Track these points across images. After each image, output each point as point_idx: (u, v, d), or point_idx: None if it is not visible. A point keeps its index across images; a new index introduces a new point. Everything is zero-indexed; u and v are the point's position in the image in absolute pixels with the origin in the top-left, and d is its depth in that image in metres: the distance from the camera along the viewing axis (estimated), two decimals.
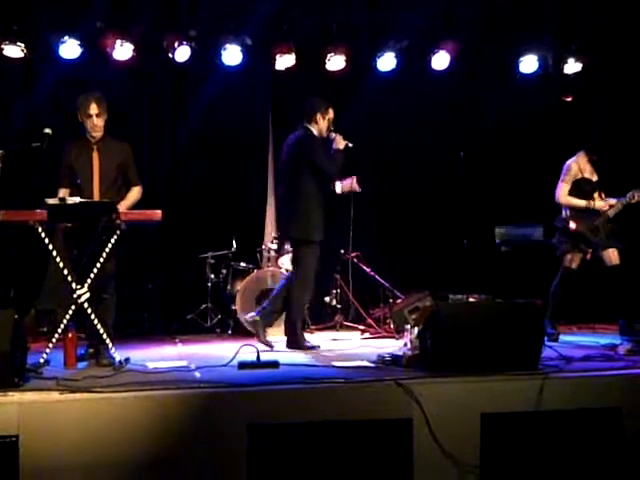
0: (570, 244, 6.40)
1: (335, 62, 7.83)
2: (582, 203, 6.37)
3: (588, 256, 6.37)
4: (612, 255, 6.29)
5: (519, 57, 8.10)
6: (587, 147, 6.44)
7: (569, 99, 8.36)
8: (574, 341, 6.27)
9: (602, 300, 6.66)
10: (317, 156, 5.92)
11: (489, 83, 8.20)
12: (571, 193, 6.43)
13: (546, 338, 6.14)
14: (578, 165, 6.42)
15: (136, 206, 5.44)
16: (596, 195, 6.43)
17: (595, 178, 6.44)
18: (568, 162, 6.48)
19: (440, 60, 7.96)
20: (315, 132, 6.06)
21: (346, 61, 7.83)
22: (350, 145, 6.02)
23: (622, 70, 7.89)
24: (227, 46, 7.52)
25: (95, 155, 5.39)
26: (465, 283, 7.16)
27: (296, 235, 6.01)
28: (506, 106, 8.23)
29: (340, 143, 5.99)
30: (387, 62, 7.95)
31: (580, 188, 6.41)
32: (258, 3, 7.23)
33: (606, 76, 8.03)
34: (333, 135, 6.06)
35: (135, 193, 5.52)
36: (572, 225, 6.34)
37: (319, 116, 6.05)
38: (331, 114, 6.09)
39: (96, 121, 5.35)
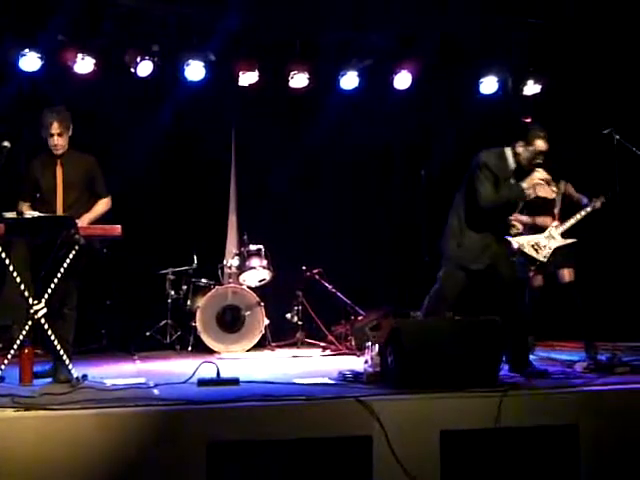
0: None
1: (298, 80, 7.87)
2: (526, 219, 6.47)
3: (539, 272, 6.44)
4: (565, 273, 6.38)
5: (479, 78, 8.23)
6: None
7: (528, 120, 8.49)
8: (532, 358, 6.32)
9: (560, 317, 6.75)
10: (477, 182, 5.23)
11: (450, 103, 8.30)
12: (524, 211, 6.46)
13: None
14: None
15: (102, 218, 5.39)
16: (555, 211, 6.52)
17: (553, 195, 6.45)
18: None
19: (402, 80, 8.05)
20: (510, 159, 5.31)
21: (309, 79, 7.87)
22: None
23: (580, 91, 8.05)
24: (190, 62, 7.51)
25: (59, 169, 5.35)
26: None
27: (440, 250, 5.49)
28: (467, 126, 8.33)
29: (529, 182, 5.21)
30: (350, 81, 8.01)
31: (534, 206, 6.41)
32: (221, 19, 7.24)
33: (565, 97, 8.19)
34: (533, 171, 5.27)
35: (102, 205, 5.46)
36: (514, 244, 6.45)
37: (520, 145, 5.27)
38: (540, 146, 5.21)
39: (57, 140, 5.30)
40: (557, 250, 6.40)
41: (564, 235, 6.45)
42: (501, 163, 5.31)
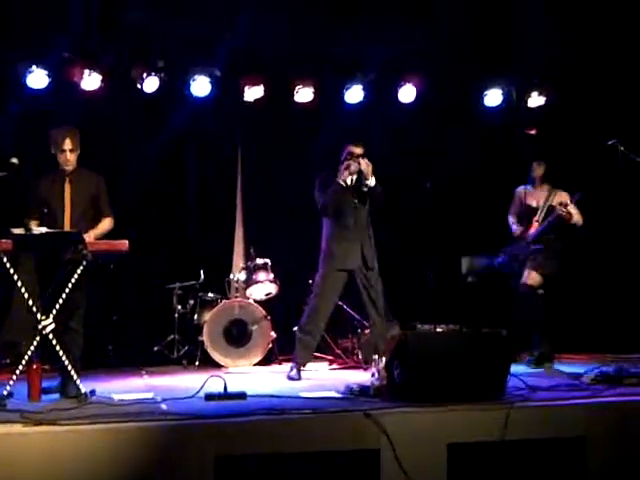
0: (516, 263, 6.75)
1: (303, 94, 7.91)
2: (516, 228, 6.91)
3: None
4: (530, 276, 6.57)
5: (484, 90, 8.26)
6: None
7: (533, 132, 8.51)
8: (540, 370, 6.31)
9: (567, 330, 6.74)
10: (315, 193, 6.28)
11: (455, 116, 8.32)
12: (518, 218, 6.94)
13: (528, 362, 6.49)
14: (520, 193, 6.93)
15: (104, 236, 5.42)
16: (535, 219, 6.75)
17: (537, 203, 6.75)
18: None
19: (407, 93, 8.09)
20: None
21: (314, 93, 7.91)
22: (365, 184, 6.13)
23: (585, 103, 8.07)
24: (196, 77, 7.57)
25: (67, 186, 5.39)
26: (433, 313, 7.17)
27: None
28: (472, 138, 8.35)
29: (344, 173, 6.17)
30: (355, 94, 8.05)
31: (522, 215, 6.88)
32: (227, 35, 7.29)
33: (569, 109, 8.20)
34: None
35: (106, 223, 5.50)
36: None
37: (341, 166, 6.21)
38: (354, 150, 6.16)
39: (69, 156, 5.36)
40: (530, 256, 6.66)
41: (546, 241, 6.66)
42: (320, 176, 6.33)
